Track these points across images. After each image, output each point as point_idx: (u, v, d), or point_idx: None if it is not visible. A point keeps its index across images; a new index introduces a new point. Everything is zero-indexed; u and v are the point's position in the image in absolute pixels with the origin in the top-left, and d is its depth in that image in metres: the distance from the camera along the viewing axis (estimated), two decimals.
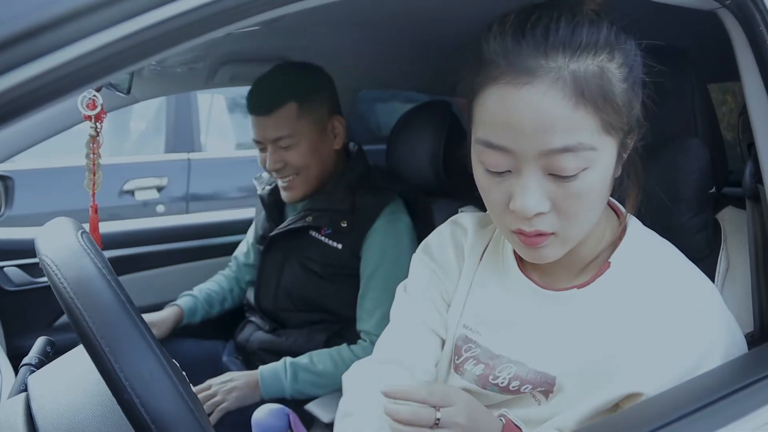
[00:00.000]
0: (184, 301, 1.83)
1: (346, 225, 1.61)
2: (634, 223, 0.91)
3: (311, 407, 1.48)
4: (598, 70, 0.73)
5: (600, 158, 0.76)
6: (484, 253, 1.01)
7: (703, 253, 1.07)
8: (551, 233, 0.80)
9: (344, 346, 1.59)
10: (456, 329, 0.98)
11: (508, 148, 0.76)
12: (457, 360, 0.96)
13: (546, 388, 0.86)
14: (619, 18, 0.79)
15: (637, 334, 0.82)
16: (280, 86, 1.61)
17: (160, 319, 1.75)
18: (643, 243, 0.89)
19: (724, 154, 1.11)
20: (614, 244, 0.90)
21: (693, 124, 1.05)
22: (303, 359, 1.57)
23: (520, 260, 0.95)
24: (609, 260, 0.87)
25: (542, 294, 0.90)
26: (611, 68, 0.74)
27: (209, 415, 1.51)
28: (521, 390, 0.88)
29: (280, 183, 1.68)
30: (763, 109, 0.92)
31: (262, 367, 1.57)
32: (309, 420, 1.46)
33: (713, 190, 1.07)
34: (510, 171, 0.78)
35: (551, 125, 0.72)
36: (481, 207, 1.65)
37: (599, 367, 0.83)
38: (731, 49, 0.94)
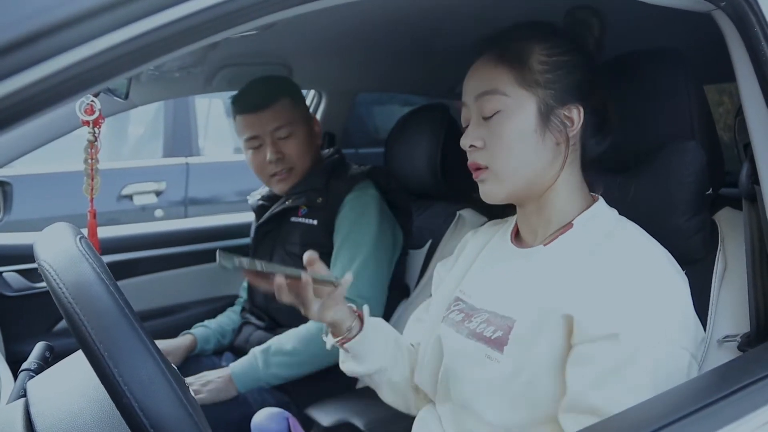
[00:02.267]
0: (197, 330, 1.87)
1: (321, 201, 1.72)
2: (601, 201, 1.05)
3: (311, 411, 1.49)
4: (521, 46, 1.01)
5: (514, 106, 0.99)
6: (491, 239, 1.17)
7: (701, 255, 1.07)
8: (485, 167, 1.02)
9: (310, 321, 1.60)
10: (452, 293, 1.15)
11: (465, 101, 1.05)
12: (446, 313, 1.13)
13: (504, 331, 0.98)
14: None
15: (582, 280, 0.94)
16: (274, 84, 1.76)
17: (173, 347, 1.78)
18: (604, 213, 1.03)
19: (721, 155, 1.12)
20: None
21: (689, 125, 1.05)
22: (272, 345, 1.60)
23: (514, 236, 1.12)
24: (572, 222, 1.02)
25: (517, 252, 1.08)
26: (535, 47, 1.00)
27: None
28: (484, 333, 1.02)
29: (274, 179, 1.76)
30: (759, 110, 0.93)
31: (232, 365, 1.60)
32: (308, 423, 1.47)
33: (710, 191, 1.07)
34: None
35: (480, 77, 1.03)
36: (479, 210, 1.65)
37: (548, 308, 0.95)
38: (727, 50, 0.94)
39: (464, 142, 1.04)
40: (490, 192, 1.04)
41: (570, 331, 0.92)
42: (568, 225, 1.02)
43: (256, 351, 1.60)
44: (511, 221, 1.16)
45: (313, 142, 1.79)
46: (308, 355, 1.58)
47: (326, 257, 1.66)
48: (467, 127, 1.05)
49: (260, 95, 1.73)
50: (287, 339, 1.60)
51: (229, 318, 1.94)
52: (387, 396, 1.21)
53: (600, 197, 1.06)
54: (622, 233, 0.99)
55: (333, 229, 1.70)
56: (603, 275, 0.93)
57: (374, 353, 1.14)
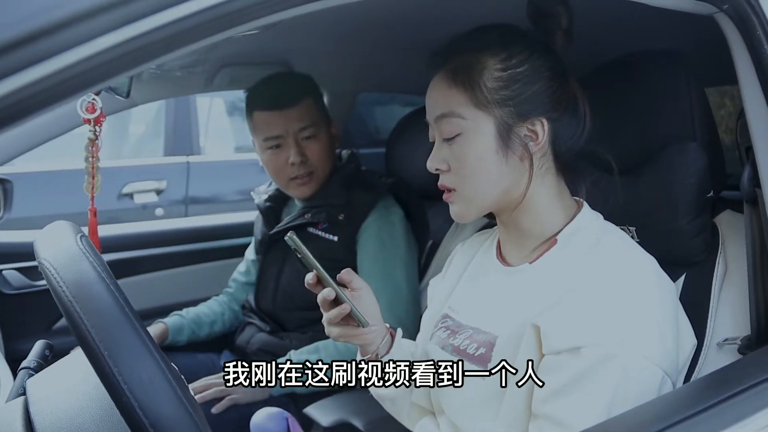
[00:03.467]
0: (170, 319, 1.80)
1: (343, 218, 1.66)
2: (585, 209, 1.03)
3: (310, 411, 1.48)
4: (473, 62, 0.97)
5: (472, 128, 0.97)
6: (477, 253, 1.15)
7: (701, 257, 1.07)
8: (453, 189, 1.01)
9: None
10: (440, 310, 1.13)
11: (428, 120, 1.03)
12: (434, 330, 1.12)
13: (487, 348, 0.97)
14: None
15: (559, 292, 0.93)
16: (299, 82, 1.70)
17: None
18: (589, 223, 1.01)
19: (722, 158, 1.12)
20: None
21: (691, 127, 1.05)
22: (311, 356, 1.56)
23: (499, 251, 1.09)
24: (556, 237, 0.99)
25: (502, 270, 1.06)
26: (488, 61, 0.96)
27: (219, 401, 1.52)
28: (468, 350, 1.01)
29: (294, 183, 1.69)
30: (760, 113, 0.92)
31: None
32: (308, 423, 1.46)
33: (711, 193, 1.07)
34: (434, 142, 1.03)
35: (437, 99, 1.01)
36: None
37: (524, 321, 0.94)
38: (729, 53, 0.94)
39: (430, 165, 1.02)
40: (460, 213, 1.03)
41: (540, 342, 0.91)
42: (552, 240, 1.00)
43: (293, 361, 1.54)
44: (496, 232, 1.14)
45: (333, 146, 1.74)
46: None
47: None
48: (433, 143, 1.03)
49: (286, 92, 1.65)
50: (327, 355, 1.56)
51: (209, 308, 1.89)
52: (406, 420, 1.18)
53: (584, 203, 1.04)
54: (605, 245, 0.97)
55: (353, 245, 1.66)
56: (579, 288, 0.92)
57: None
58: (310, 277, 0.99)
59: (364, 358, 1.08)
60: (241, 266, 1.96)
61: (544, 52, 0.98)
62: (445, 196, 1.03)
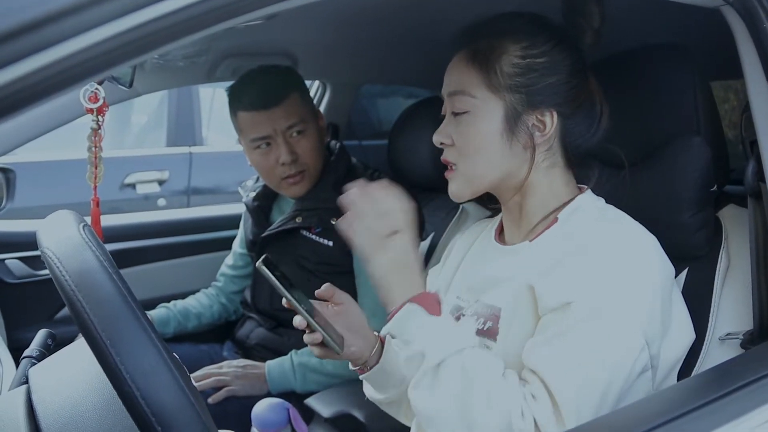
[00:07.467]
0: (156, 311, 1.80)
1: (336, 221, 1.61)
2: (587, 192, 1.04)
3: (311, 402, 1.49)
4: (494, 45, 0.98)
5: (481, 108, 0.98)
6: (477, 239, 1.17)
7: (704, 251, 1.07)
8: (453, 163, 1.03)
9: None
10: (450, 299, 1.12)
11: (443, 94, 1.05)
12: None
13: (494, 321, 0.99)
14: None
15: (559, 259, 0.93)
16: (282, 78, 1.64)
17: None
18: (589, 204, 1.01)
19: (726, 152, 1.11)
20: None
21: (695, 121, 1.04)
22: (312, 359, 1.56)
23: (498, 234, 1.11)
24: (557, 216, 1.00)
25: (502, 250, 1.07)
26: (509, 46, 0.98)
27: (217, 390, 1.53)
28: (477, 326, 1.01)
29: (286, 182, 1.65)
30: (766, 107, 0.92)
31: (269, 364, 1.58)
32: (309, 414, 1.47)
33: (715, 188, 1.07)
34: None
35: (453, 76, 1.03)
36: (482, 203, 1.65)
37: (520, 285, 0.96)
38: (734, 47, 0.93)
39: (435, 139, 1.04)
40: (456, 191, 1.04)
41: (535, 305, 0.93)
42: (553, 219, 1.00)
43: (294, 361, 1.57)
44: (496, 219, 1.15)
45: (323, 139, 1.70)
46: (345, 378, 1.56)
47: (343, 276, 1.60)
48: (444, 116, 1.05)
49: (270, 90, 1.59)
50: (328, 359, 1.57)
51: (197, 301, 1.88)
52: (404, 419, 1.17)
53: (587, 189, 1.04)
54: (610, 219, 0.98)
55: (349, 249, 1.64)
56: (578, 252, 0.92)
57: (392, 384, 1.10)
58: (284, 302, 1.00)
59: (354, 369, 1.10)
60: (229, 259, 1.95)
61: (568, 47, 0.99)
62: (446, 173, 1.05)
